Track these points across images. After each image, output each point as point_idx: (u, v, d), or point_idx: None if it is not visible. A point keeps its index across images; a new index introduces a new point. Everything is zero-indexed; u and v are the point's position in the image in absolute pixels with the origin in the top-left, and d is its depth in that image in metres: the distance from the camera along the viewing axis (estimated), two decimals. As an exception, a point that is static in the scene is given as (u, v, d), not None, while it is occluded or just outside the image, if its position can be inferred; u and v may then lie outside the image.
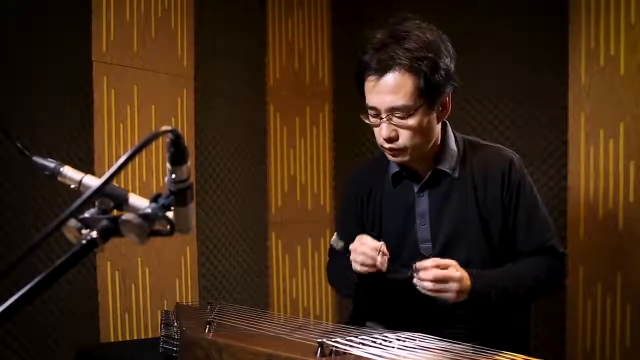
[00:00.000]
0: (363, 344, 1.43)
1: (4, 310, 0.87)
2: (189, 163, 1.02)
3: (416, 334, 1.53)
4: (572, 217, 2.74)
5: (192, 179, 1.03)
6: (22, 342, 2.40)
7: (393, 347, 1.41)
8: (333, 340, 1.41)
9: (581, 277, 2.72)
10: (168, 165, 1.01)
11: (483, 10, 3.01)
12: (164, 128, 0.96)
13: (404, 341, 1.47)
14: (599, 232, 2.66)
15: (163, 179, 1.00)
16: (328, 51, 3.52)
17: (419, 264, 1.66)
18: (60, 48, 2.53)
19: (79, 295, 2.59)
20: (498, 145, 1.97)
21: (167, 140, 0.99)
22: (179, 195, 1.02)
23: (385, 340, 1.47)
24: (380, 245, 1.72)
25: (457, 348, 1.42)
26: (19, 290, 0.88)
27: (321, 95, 3.51)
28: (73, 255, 0.94)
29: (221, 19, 3.17)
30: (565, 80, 2.75)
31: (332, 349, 1.36)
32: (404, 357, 1.34)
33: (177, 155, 1.00)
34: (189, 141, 2.92)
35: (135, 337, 2.76)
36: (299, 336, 1.50)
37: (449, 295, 1.66)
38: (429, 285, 1.64)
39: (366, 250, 1.73)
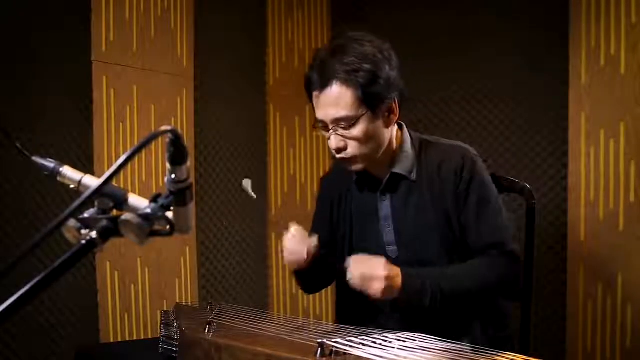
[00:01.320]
0: (363, 344, 1.43)
1: (3, 310, 0.86)
2: (188, 163, 1.02)
3: (416, 334, 1.53)
4: (572, 217, 2.74)
5: (192, 179, 1.03)
6: (22, 343, 2.40)
7: (393, 348, 1.41)
8: (333, 340, 1.40)
9: (581, 277, 2.72)
10: (168, 165, 1.01)
11: (483, 10, 3.01)
12: (164, 128, 0.96)
13: (404, 341, 1.47)
14: (599, 232, 2.66)
15: (163, 179, 0.99)
16: (328, 51, 3.51)
17: (351, 258, 1.75)
18: (59, 48, 2.53)
19: (78, 296, 2.59)
20: (454, 142, 1.96)
21: (167, 140, 0.99)
22: (178, 196, 1.02)
23: (385, 341, 1.47)
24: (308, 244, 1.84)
25: (457, 348, 1.42)
26: (18, 290, 0.88)
27: (321, 95, 3.50)
28: (72, 255, 0.94)
29: (221, 18, 3.17)
30: (566, 80, 2.74)
31: (332, 350, 1.35)
32: (404, 357, 1.33)
33: (177, 155, 1.00)
34: (188, 141, 2.92)
35: (134, 338, 2.75)
36: (299, 336, 1.50)
37: (374, 292, 1.71)
38: (355, 280, 1.72)
39: (292, 247, 1.87)
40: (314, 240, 1.86)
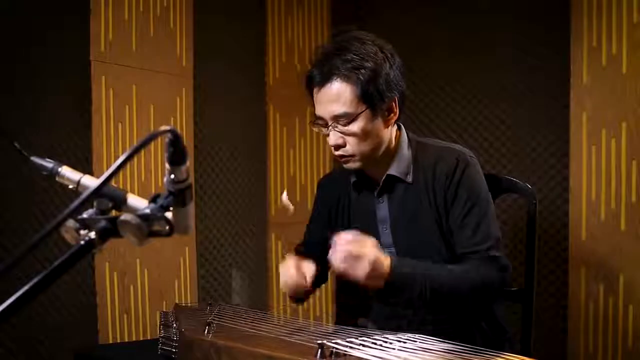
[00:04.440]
0: (363, 345, 1.42)
1: (2, 311, 0.86)
2: (188, 163, 1.01)
3: (417, 335, 1.53)
4: (574, 218, 2.73)
5: (191, 179, 1.02)
6: (20, 344, 2.39)
7: (394, 349, 1.40)
8: (333, 341, 1.40)
9: (583, 278, 2.71)
10: (167, 165, 1.00)
11: (483, 9, 3.00)
12: (163, 128, 0.95)
13: (404, 342, 1.47)
14: (600, 233, 2.65)
15: (162, 179, 0.99)
16: (328, 51, 3.51)
17: (337, 237, 1.65)
18: (58, 47, 2.52)
19: (77, 296, 2.58)
20: (449, 144, 1.95)
21: (166, 140, 0.98)
22: (178, 196, 1.01)
23: (386, 342, 1.46)
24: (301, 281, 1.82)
25: (456, 349, 1.42)
26: (16, 291, 0.87)
27: (321, 95, 3.49)
28: (71, 256, 0.93)
29: (221, 17, 3.16)
30: (567, 80, 2.74)
31: (332, 351, 1.35)
32: (405, 358, 1.33)
33: (176, 155, 0.99)
34: (188, 141, 2.91)
35: (134, 339, 2.75)
36: (299, 338, 1.49)
37: (359, 275, 1.62)
38: (339, 259, 1.63)
39: (287, 281, 1.84)
40: (311, 270, 1.84)
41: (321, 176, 2.32)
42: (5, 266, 0.85)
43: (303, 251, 2.06)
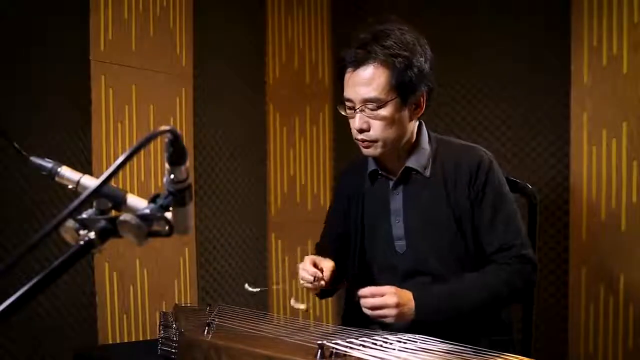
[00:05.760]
0: (364, 345, 1.42)
1: (1, 312, 0.85)
2: (187, 163, 1.01)
3: (417, 336, 1.53)
4: (574, 218, 2.73)
5: (191, 180, 1.02)
6: (19, 345, 2.38)
7: (394, 349, 1.40)
8: (333, 342, 1.40)
9: (583, 278, 2.71)
10: (167, 165, 1.00)
11: (484, 9, 3.00)
12: (163, 128, 0.95)
13: (405, 343, 1.46)
14: (601, 233, 2.65)
15: (162, 179, 0.99)
16: (328, 50, 3.51)
17: (359, 292, 1.76)
18: (58, 47, 2.52)
19: (76, 297, 2.58)
20: (471, 144, 1.99)
21: (166, 140, 0.98)
22: (177, 196, 1.01)
23: (386, 342, 1.46)
24: (316, 271, 1.84)
25: (457, 349, 1.41)
26: (16, 292, 0.87)
27: (321, 95, 3.50)
28: (71, 256, 0.93)
29: (220, 17, 3.15)
30: (568, 80, 2.74)
31: (332, 351, 1.35)
32: (405, 358, 1.33)
33: (176, 155, 0.99)
34: (187, 141, 2.91)
35: (133, 339, 2.74)
36: (299, 338, 1.49)
37: (389, 320, 1.73)
38: (368, 312, 1.74)
39: (304, 275, 1.85)
40: (329, 266, 1.87)
41: (321, 176, 2.33)
42: (5, 266, 0.84)
43: (321, 244, 2.11)
